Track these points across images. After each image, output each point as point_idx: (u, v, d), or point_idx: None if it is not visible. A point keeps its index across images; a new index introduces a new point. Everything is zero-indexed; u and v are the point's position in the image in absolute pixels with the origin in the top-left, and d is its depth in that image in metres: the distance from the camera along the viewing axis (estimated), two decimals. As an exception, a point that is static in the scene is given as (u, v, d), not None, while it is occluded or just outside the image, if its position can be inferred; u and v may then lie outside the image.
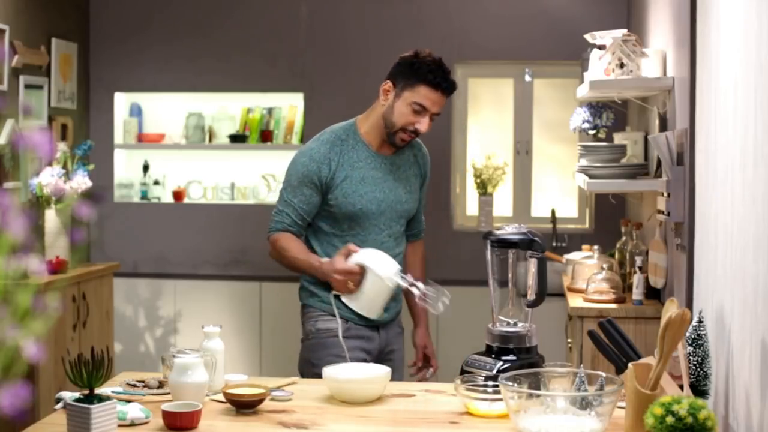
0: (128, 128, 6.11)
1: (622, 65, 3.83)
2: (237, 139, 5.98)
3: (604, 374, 2.29)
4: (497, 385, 2.39)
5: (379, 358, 3.16)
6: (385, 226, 3.16)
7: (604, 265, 4.09)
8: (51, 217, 4.78)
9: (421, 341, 3.38)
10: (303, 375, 3.11)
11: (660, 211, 3.59)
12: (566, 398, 2.21)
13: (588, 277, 4.13)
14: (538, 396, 2.22)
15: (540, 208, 5.91)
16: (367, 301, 3.04)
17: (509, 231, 2.79)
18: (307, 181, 3.13)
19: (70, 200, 4.79)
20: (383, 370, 2.60)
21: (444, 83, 3.08)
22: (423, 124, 3.08)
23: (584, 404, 2.17)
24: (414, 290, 2.90)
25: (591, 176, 4.01)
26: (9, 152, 4.85)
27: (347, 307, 3.10)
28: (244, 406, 2.44)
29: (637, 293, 3.92)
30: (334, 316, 3.10)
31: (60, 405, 2.41)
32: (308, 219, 3.16)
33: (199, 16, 5.98)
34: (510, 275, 2.79)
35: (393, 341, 3.25)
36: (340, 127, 3.23)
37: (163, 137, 6.10)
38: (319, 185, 3.12)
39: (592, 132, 4.51)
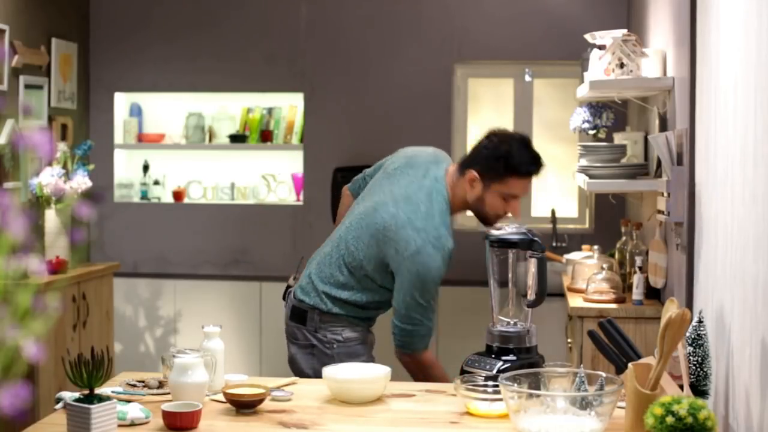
0: (128, 128, 6.11)
1: (622, 65, 3.83)
2: (237, 139, 5.98)
3: (604, 374, 2.29)
4: (497, 385, 2.39)
5: None
6: None
7: (604, 265, 4.09)
8: (51, 217, 4.78)
9: None
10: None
11: (660, 211, 3.59)
12: (566, 398, 2.21)
13: (588, 277, 4.12)
14: (538, 396, 2.22)
15: (540, 208, 5.91)
16: None
17: (509, 231, 2.79)
18: (440, 281, 3.01)
19: (70, 200, 4.79)
20: (383, 370, 2.59)
21: (534, 168, 3.00)
22: (515, 209, 3.02)
23: (584, 404, 2.17)
24: None
25: (591, 176, 4.01)
26: (9, 152, 4.85)
27: (365, 311, 3.11)
28: (244, 406, 2.44)
29: (637, 293, 3.92)
30: (360, 323, 3.11)
31: (60, 405, 2.41)
32: None
33: (199, 16, 5.98)
34: (510, 275, 2.79)
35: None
36: (443, 205, 3.03)
37: (163, 137, 6.10)
38: None
39: (592, 132, 4.51)
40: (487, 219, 3.06)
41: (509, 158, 2.96)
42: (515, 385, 2.25)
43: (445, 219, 3.00)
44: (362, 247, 3.05)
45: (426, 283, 2.94)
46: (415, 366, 3.04)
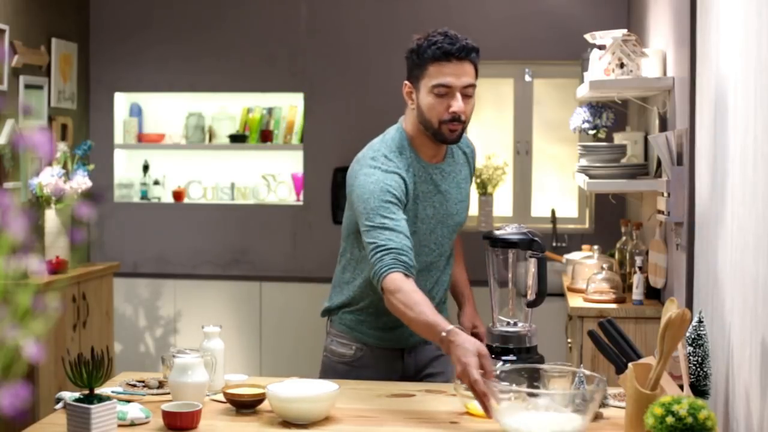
0: (128, 128, 6.11)
1: (622, 65, 3.83)
2: (237, 139, 5.98)
3: (597, 376, 2.29)
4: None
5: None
6: (435, 246, 2.77)
7: (604, 265, 4.09)
8: (51, 217, 4.78)
9: (468, 321, 2.92)
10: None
11: (660, 211, 3.59)
12: (548, 396, 2.22)
13: (588, 277, 4.13)
14: (519, 393, 2.23)
15: (540, 208, 5.92)
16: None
17: (509, 231, 2.78)
18: (390, 197, 2.61)
19: (70, 200, 4.79)
20: (331, 387, 2.41)
21: (451, 48, 2.64)
22: (455, 105, 2.63)
23: (566, 402, 2.19)
24: None
25: (591, 176, 4.02)
26: (9, 152, 4.85)
27: (365, 326, 2.83)
28: (244, 406, 2.44)
29: (637, 293, 3.92)
30: (351, 341, 2.84)
31: (60, 405, 2.41)
32: (412, 240, 2.60)
33: (199, 17, 5.98)
34: (510, 275, 2.79)
35: (428, 365, 2.86)
36: (393, 136, 2.77)
37: (163, 137, 6.10)
38: (401, 201, 2.64)
39: (592, 132, 4.51)
40: (435, 129, 2.68)
41: (421, 46, 2.68)
42: (498, 382, 2.26)
43: (392, 144, 2.73)
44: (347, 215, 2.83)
45: (366, 201, 2.60)
46: (385, 299, 2.53)
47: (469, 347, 2.30)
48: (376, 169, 2.66)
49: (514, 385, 2.29)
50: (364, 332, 2.83)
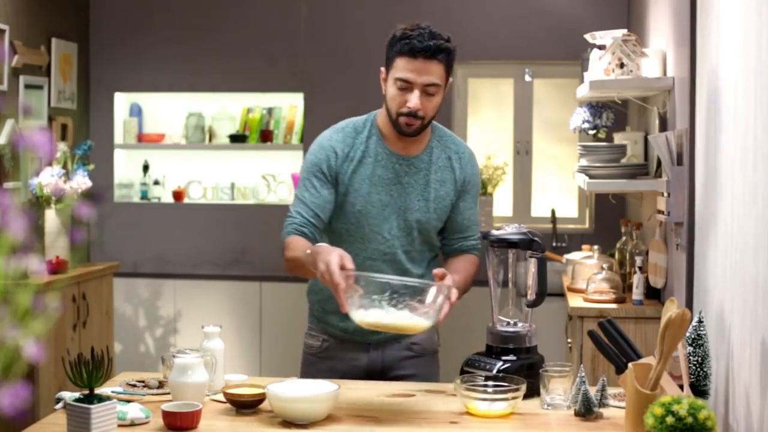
0: (128, 128, 6.11)
1: (622, 65, 3.83)
2: (237, 139, 5.98)
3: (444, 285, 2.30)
4: (497, 385, 2.42)
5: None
6: (390, 236, 2.78)
7: (604, 265, 4.09)
8: (51, 217, 4.79)
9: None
10: None
11: (660, 211, 3.59)
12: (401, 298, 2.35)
13: (588, 277, 4.13)
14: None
15: (540, 208, 5.92)
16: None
17: (509, 231, 2.78)
18: (316, 171, 2.76)
19: (70, 200, 4.79)
20: (330, 387, 2.41)
21: (418, 45, 2.66)
22: (412, 101, 2.66)
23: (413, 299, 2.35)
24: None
25: (591, 176, 4.02)
26: (9, 152, 4.85)
27: (329, 316, 2.85)
28: (244, 406, 2.44)
29: (637, 293, 3.92)
30: (318, 332, 2.90)
31: (60, 405, 2.41)
32: (323, 217, 2.74)
33: (199, 17, 5.98)
34: (510, 275, 2.79)
35: (398, 366, 2.89)
36: (360, 118, 2.87)
37: (163, 137, 6.10)
38: (329, 176, 2.76)
39: (592, 132, 4.51)
40: (394, 120, 2.73)
41: (395, 37, 2.75)
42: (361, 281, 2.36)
43: (352, 123, 2.85)
44: None
45: (301, 171, 2.83)
46: (284, 262, 2.72)
47: (331, 250, 2.44)
48: (323, 139, 2.85)
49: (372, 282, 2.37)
50: (329, 323, 2.87)
